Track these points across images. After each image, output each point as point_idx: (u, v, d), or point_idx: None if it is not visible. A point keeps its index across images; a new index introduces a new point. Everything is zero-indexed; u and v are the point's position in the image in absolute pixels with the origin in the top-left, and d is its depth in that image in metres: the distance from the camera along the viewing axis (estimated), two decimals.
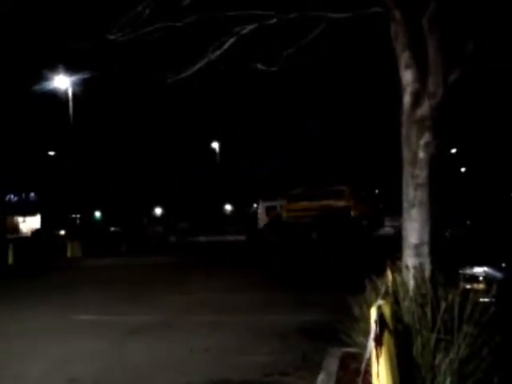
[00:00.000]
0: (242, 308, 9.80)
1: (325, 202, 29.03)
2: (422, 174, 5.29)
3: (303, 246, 25.01)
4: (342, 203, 28.79)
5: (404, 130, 5.42)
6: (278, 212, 32.89)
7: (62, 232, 43.05)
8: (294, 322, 8.28)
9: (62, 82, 31.18)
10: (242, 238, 37.06)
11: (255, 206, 48.22)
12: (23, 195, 64.42)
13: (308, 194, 30.42)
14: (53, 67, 31.10)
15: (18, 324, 9.16)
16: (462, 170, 58.24)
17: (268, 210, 34.23)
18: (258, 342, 7.15)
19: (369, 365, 3.35)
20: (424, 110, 5.26)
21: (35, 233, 51.04)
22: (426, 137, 5.27)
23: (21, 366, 6.47)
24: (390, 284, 5.05)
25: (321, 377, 5.23)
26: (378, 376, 3.26)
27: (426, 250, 5.27)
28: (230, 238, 41.69)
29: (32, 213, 61.97)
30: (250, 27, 5.65)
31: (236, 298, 10.94)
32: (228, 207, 68.02)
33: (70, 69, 30.98)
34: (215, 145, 57.27)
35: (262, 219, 34.21)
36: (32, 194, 63.89)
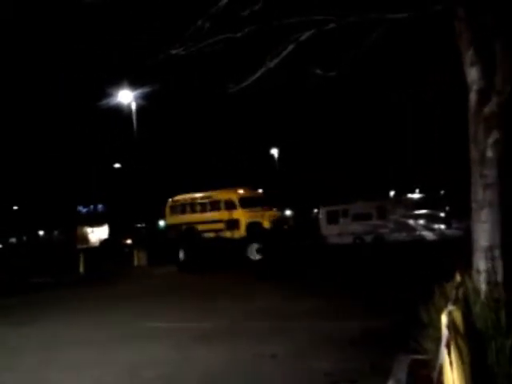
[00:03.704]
0: (306, 314, 9.75)
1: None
2: (490, 173, 5.12)
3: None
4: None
5: (471, 129, 5.27)
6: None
7: (129, 241, 44.51)
8: (358, 327, 8.15)
9: (126, 96, 32.34)
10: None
11: (316, 210, 47.87)
12: (91, 207, 67.26)
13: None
14: (117, 83, 32.35)
15: (91, 331, 9.56)
16: None
17: (329, 214, 33.69)
18: (324, 348, 7.09)
19: (441, 372, 3.26)
20: (491, 107, 5.10)
21: (103, 242, 53.05)
22: (495, 135, 5.10)
23: (94, 371, 6.74)
24: (460, 289, 4.89)
25: None
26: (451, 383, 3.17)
27: (497, 252, 5.08)
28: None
29: (100, 223, 64.50)
30: (308, 33, 5.66)
31: (298, 304, 10.90)
32: (288, 212, 67.91)
33: (133, 83, 32.10)
34: (274, 151, 57.44)
35: (323, 224, 33.71)
36: (100, 206, 66.57)
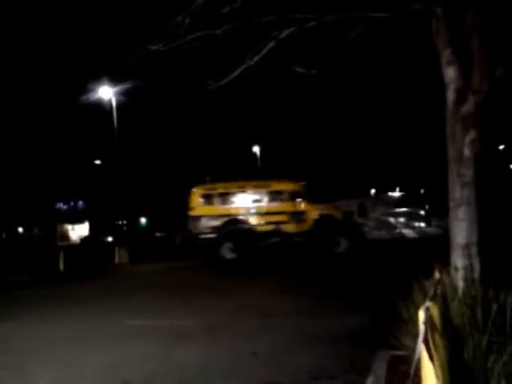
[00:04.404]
0: (288, 311, 9.79)
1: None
2: (468, 172, 5.18)
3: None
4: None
5: (448, 128, 5.33)
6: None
7: (110, 238, 44.13)
8: (341, 325, 8.21)
9: (106, 92, 32.03)
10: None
11: None
12: (72, 204, 66.61)
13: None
14: (97, 79, 32.07)
15: (70, 329, 9.46)
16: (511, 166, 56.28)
17: None
18: (305, 345, 7.12)
19: (418, 368, 3.30)
20: (468, 106, 5.16)
21: (84, 240, 52.62)
22: (472, 134, 5.16)
23: (75, 368, 6.67)
24: (438, 285, 4.96)
25: (369, 380, 5.18)
26: (428, 379, 3.20)
27: (474, 250, 5.15)
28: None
29: (80, 220, 63.90)
30: (288, 31, 5.67)
31: (282, 302, 10.93)
32: None
33: (114, 79, 31.86)
34: (256, 149, 57.47)
35: None
36: (80, 203, 65.97)
